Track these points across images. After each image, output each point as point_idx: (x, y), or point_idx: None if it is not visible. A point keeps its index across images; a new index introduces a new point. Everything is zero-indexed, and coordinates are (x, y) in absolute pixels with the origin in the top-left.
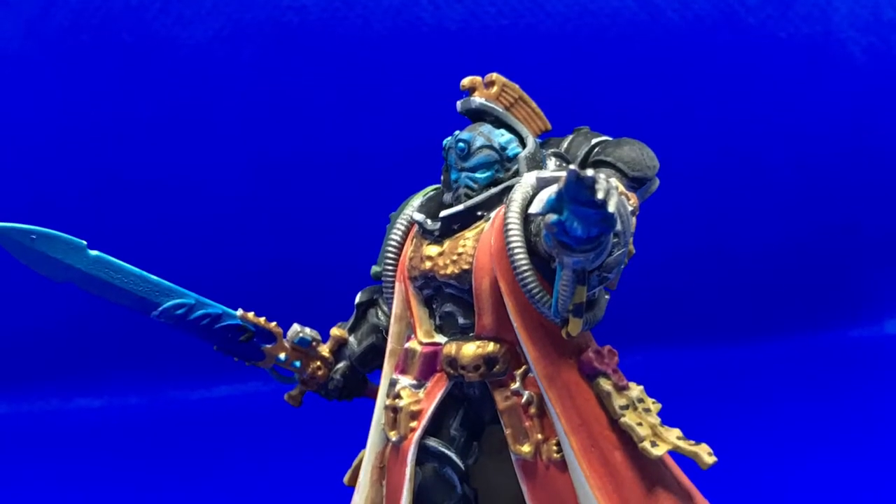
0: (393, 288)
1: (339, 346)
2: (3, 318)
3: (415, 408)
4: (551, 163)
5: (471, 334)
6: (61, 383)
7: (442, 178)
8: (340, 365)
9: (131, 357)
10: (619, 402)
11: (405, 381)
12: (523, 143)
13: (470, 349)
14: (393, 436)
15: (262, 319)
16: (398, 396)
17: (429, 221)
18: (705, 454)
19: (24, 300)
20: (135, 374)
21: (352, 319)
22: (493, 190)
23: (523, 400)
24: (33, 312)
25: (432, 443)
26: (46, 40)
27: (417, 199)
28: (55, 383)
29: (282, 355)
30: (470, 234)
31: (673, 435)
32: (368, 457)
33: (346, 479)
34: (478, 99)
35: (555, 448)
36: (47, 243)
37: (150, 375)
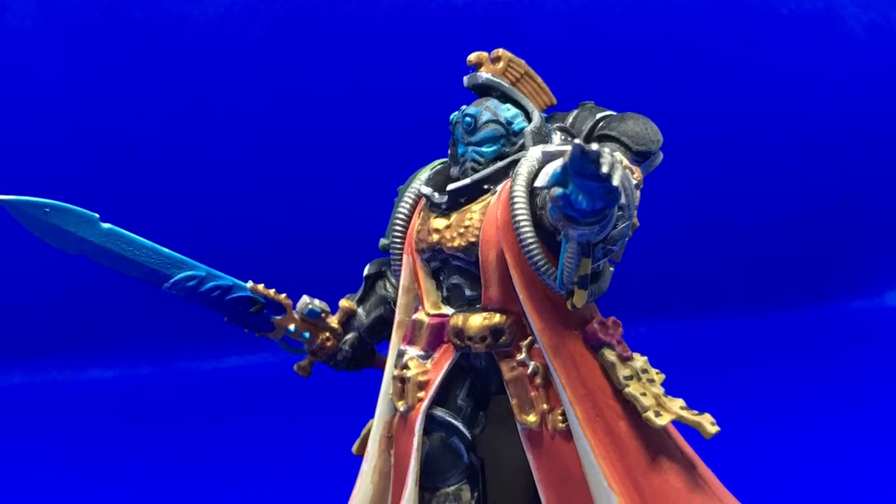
0: (401, 260)
1: (348, 318)
2: (17, 290)
3: (422, 378)
4: (556, 137)
5: (477, 306)
6: (74, 354)
7: (449, 152)
8: (349, 336)
9: (143, 328)
10: (623, 372)
11: (413, 351)
12: (529, 118)
13: (476, 320)
14: (401, 406)
15: (271, 291)
16: (406, 367)
17: (436, 195)
18: (708, 424)
19: (38, 272)
20: (147, 346)
21: (360, 291)
22: (500, 164)
23: (529, 370)
24: (47, 284)
25: (439, 412)
26: (59, 17)
27: (425, 173)
28: (68, 354)
29: (291, 326)
30: (476, 207)
31: (676, 405)
32: (377, 426)
33: (354, 448)
34: (484, 74)
35: (560, 418)
36: (60, 216)
37: (161, 346)
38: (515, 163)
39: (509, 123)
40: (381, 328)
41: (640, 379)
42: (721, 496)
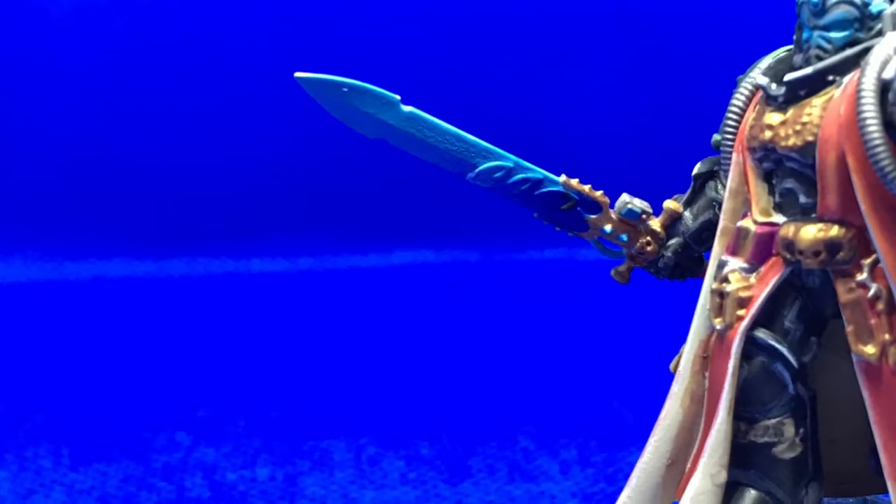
0: (730, 159)
1: (673, 221)
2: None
3: (744, 294)
4: None
5: (813, 215)
6: (238, 245)
7: (794, 37)
8: (673, 241)
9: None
10: None
11: (735, 263)
12: None
13: (810, 232)
14: (718, 323)
15: (586, 187)
16: (726, 280)
17: (773, 86)
18: None
19: (203, 163)
20: (308, 238)
21: (688, 192)
22: (849, 52)
23: (870, 293)
24: (212, 174)
25: (762, 334)
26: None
27: (766, 61)
28: (232, 245)
29: (607, 227)
30: (818, 101)
31: None
32: (690, 344)
33: (671, 365)
34: None
35: None
36: (359, 96)
37: (321, 239)
38: (868, 51)
39: (866, 5)
40: (709, 234)
41: None
42: None
